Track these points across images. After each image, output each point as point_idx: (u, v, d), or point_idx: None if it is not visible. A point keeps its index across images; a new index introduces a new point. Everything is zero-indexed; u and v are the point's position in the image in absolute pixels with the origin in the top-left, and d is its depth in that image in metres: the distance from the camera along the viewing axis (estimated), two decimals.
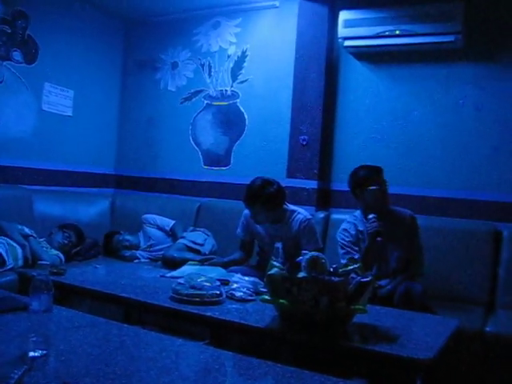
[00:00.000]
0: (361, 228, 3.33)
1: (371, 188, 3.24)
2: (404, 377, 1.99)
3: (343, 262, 3.22)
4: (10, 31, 4.50)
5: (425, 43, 3.97)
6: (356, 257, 3.17)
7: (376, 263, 3.28)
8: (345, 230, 3.38)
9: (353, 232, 3.34)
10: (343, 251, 3.33)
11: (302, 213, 3.52)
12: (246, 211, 3.58)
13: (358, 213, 3.42)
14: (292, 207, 3.56)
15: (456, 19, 3.78)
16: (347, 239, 3.34)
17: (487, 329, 3.04)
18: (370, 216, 3.19)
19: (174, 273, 3.19)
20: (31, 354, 1.47)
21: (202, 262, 3.67)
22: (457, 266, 3.66)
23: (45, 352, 1.49)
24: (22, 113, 4.68)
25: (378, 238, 3.17)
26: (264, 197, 3.34)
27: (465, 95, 4.03)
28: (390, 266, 3.30)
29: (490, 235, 3.69)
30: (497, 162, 3.90)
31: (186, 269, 3.27)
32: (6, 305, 1.98)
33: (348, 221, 3.42)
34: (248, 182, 3.47)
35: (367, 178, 3.28)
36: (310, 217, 3.56)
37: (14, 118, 4.61)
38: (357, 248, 3.29)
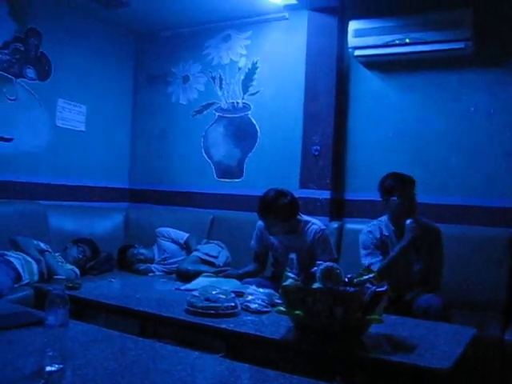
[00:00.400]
0: (386, 233, 3.31)
1: (393, 199, 3.26)
2: None
3: (365, 262, 3.23)
4: (23, 49, 4.57)
5: (435, 51, 3.96)
6: (379, 259, 3.19)
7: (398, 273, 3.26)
8: (370, 232, 3.36)
9: (377, 235, 3.32)
10: (366, 251, 3.30)
11: (315, 223, 3.51)
12: (260, 223, 3.57)
13: (384, 218, 3.40)
14: (306, 218, 3.55)
15: (465, 26, 3.78)
16: (371, 241, 3.31)
17: (506, 337, 3.01)
18: (408, 221, 3.16)
19: (189, 285, 3.18)
20: (48, 368, 1.47)
21: (216, 274, 3.66)
22: (473, 274, 3.63)
23: (61, 366, 1.49)
24: (36, 129, 4.73)
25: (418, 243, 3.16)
26: (277, 208, 3.34)
27: (476, 102, 4.01)
28: (410, 277, 3.26)
29: (506, 241, 3.65)
30: (510, 168, 3.87)
31: (200, 281, 3.26)
32: (22, 320, 1.99)
33: (373, 224, 3.40)
34: (261, 194, 3.47)
35: (392, 187, 3.29)
36: (324, 227, 3.54)
37: (29, 135, 4.66)
38: (379, 252, 3.27)
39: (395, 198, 3.25)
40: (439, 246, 3.31)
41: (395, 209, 3.26)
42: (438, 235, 3.32)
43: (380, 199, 3.41)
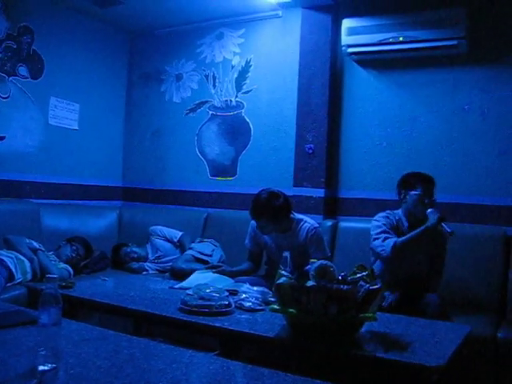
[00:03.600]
0: (401, 228, 3.30)
1: (414, 193, 3.26)
2: None
3: (376, 243, 3.22)
4: (15, 47, 4.55)
5: (428, 49, 3.96)
6: (393, 239, 3.15)
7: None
8: (386, 216, 3.34)
9: (394, 222, 3.31)
10: (379, 230, 3.25)
11: (308, 221, 3.51)
12: (254, 222, 3.58)
13: (398, 212, 3.38)
14: (299, 216, 3.55)
15: (459, 24, 3.78)
16: (387, 225, 3.28)
17: (499, 334, 3.02)
18: (430, 210, 3.15)
19: (183, 283, 3.18)
20: (41, 367, 1.46)
21: (210, 269, 3.64)
22: (467, 272, 3.63)
23: (54, 366, 1.48)
24: (29, 127, 4.71)
25: (444, 225, 3.11)
26: (270, 210, 3.33)
27: (470, 100, 4.02)
28: (417, 277, 3.26)
29: (500, 240, 3.66)
30: (504, 166, 3.88)
31: (194, 278, 3.25)
32: (15, 319, 1.98)
33: (388, 212, 3.38)
34: (254, 192, 3.47)
35: (415, 182, 3.29)
36: (317, 225, 3.54)
37: (21, 133, 4.64)
38: (394, 234, 3.24)
39: (416, 193, 3.24)
40: (444, 249, 3.33)
41: (415, 203, 3.24)
42: (445, 239, 3.32)
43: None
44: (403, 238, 3.16)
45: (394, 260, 3.15)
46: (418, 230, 3.13)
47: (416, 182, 3.29)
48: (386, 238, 3.19)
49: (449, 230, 3.11)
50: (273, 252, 3.55)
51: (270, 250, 3.58)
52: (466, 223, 3.91)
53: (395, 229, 3.29)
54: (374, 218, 3.36)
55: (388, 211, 3.40)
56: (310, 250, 3.41)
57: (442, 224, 3.12)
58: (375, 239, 3.25)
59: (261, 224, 3.40)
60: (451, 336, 2.28)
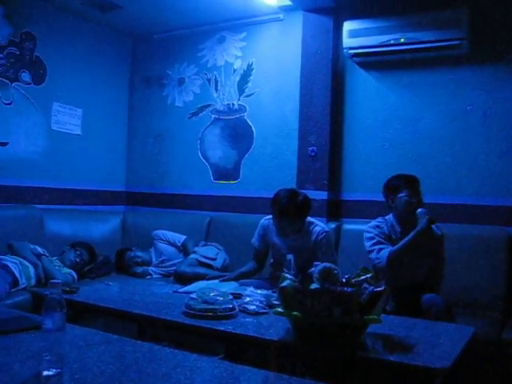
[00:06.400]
0: (393, 235, 3.29)
1: (401, 195, 3.26)
2: None
3: (372, 255, 3.22)
4: (18, 53, 4.56)
5: (430, 50, 3.96)
6: (388, 249, 3.16)
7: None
8: (377, 226, 3.33)
9: (386, 231, 3.30)
10: (373, 241, 3.26)
11: (320, 225, 3.53)
12: (263, 221, 3.59)
13: (389, 218, 3.38)
14: (310, 219, 3.55)
15: (461, 25, 3.77)
16: (379, 234, 3.28)
17: (504, 336, 3.01)
18: (420, 210, 3.14)
19: (187, 288, 3.18)
20: (45, 373, 1.46)
21: (213, 279, 3.64)
22: (470, 273, 3.62)
23: (59, 371, 1.48)
24: (32, 133, 4.71)
25: (434, 227, 3.15)
26: (299, 204, 3.36)
27: (472, 101, 4.01)
28: (415, 280, 3.25)
29: (503, 240, 3.65)
30: (507, 167, 3.88)
31: (198, 284, 3.26)
32: (19, 324, 1.98)
33: (379, 220, 3.38)
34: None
35: (399, 185, 3.30)
36: (328, 229, 3.56)
37: (24, 139, 4.65)
38: (388, 243, 3.25)
39: (403, 195, 3.25)
40: (442, 250, 3.31)
41: (403, 206, 3.25)
42: (442, 240, 3.32)
43: (384, 200, 3.41)
44: (397, 246, 3.16)
45: (391, 269, 3.15)
46: (410, 236, 3.14)
47: (400, 184, 3.30)
48: (380, 249, 3.21)
49: (439, 233, 3.17)
50: (281, 253, 3.53)
51: (279, 251, 3.57)
52: (469, 224, 3.90)
53: (388, 237, 3.29)
54: (366, 230, 3.36)
55: (379, 219, 3.40)
56: (318, 252, 3.41)
57: (432, 226, 3.15)
58: (370, 252, 3.26)
59: (287, 222, 3.40)
60: (456, 337, 2.28)
